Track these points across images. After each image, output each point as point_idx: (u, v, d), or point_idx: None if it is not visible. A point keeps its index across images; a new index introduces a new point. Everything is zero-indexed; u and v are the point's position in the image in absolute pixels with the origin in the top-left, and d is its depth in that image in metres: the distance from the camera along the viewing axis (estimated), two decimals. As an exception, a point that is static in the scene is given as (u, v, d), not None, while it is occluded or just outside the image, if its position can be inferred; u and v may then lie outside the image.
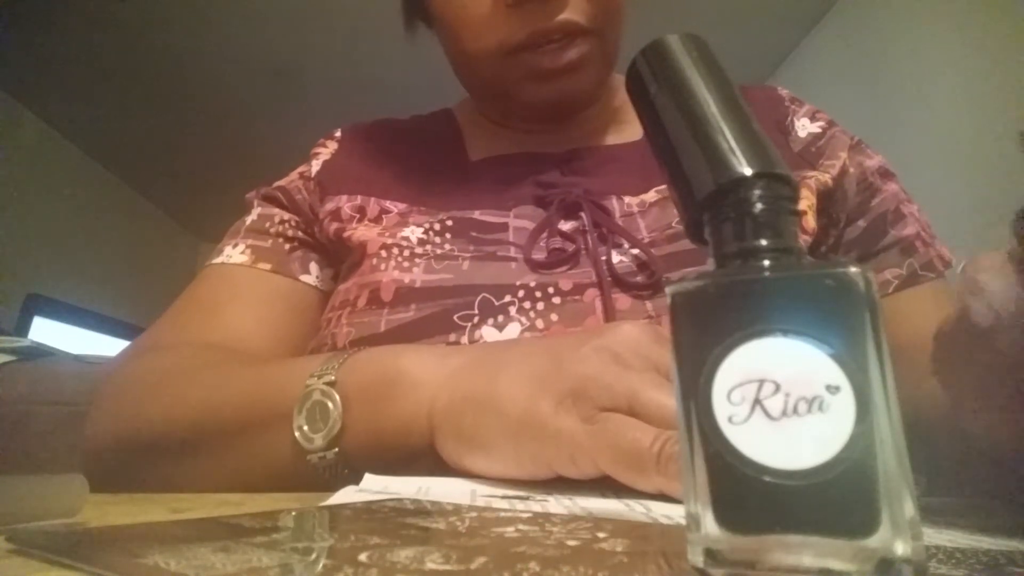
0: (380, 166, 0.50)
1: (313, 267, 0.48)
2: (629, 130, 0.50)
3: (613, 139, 0.50)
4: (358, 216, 0.46)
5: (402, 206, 0.45)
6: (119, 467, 0.35)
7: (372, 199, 0.46)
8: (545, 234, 0.41)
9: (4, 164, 2.54)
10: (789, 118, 0.50)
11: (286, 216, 0.49)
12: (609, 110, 0.52)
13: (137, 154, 3.23)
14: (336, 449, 0.30)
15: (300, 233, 0.48)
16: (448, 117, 0.56)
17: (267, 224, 0.48)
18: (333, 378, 0.30)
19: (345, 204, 0.46)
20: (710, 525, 0.12)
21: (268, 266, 0.46)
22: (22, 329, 2.40)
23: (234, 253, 0.47)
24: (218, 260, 0.47)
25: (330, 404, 0.30)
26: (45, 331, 2.50)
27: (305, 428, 0.30)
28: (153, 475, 0.34)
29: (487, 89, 0.48)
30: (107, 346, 3.04)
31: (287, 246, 0.48)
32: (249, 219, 0.49)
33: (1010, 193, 1.41)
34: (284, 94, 2.74)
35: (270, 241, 0.47)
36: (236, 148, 3.16)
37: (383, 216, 0.45)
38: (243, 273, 0.46)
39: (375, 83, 2.61)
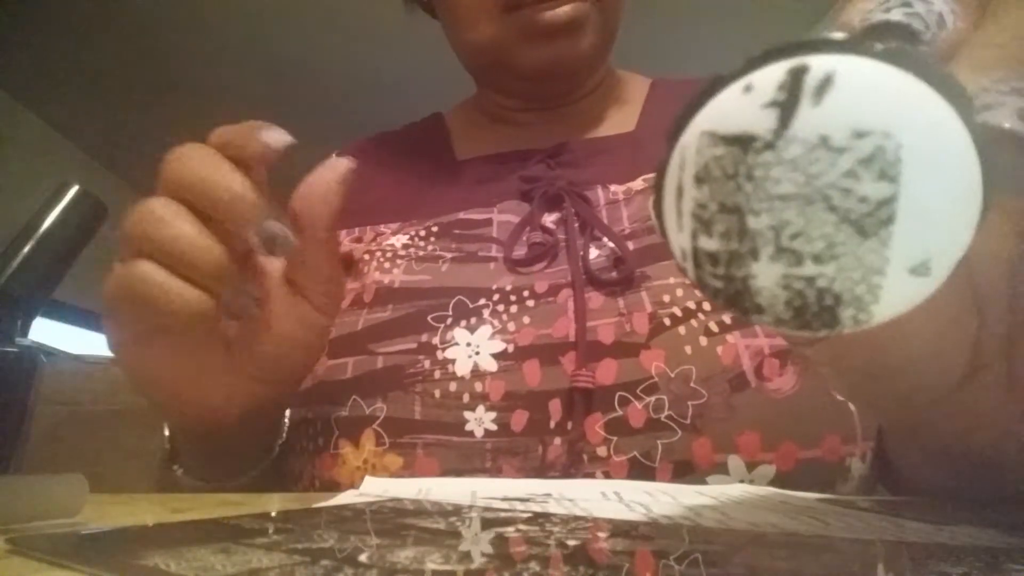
0: (373, 189, 0.51)
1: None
2: (621, 122, 0.50)
3: (604, 131, 0.50)
4: (356, 242, 0.47)
5: (394, 225, 0.46)
6: None
7: (368, 228, 0.47)
8: (527, 229, 0.41)
9: (4, 164, 2.53)
10: None
11: None
12: (601, 103, 0.52)
13: (137, 154, 3.23)
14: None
15: None
16: (437, 121, 0.57)
17: None
18: None
19: (344, 238, 0.47)
20: None
21: None
22: (22, 329, 2.40)
23: None
24: None
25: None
26: (45, 331, 2.50)
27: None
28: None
29: (486, 55, 0.48)
30: (107, 346, 3.03)
31: None
32: None
33: (1010, 192, 1.42)
34: (284, 94, 2.74)
35: None
36: (236, 148, 3.15)
37: (378, 237, 0.46)
38: None
39: (375, 83, 2.61)
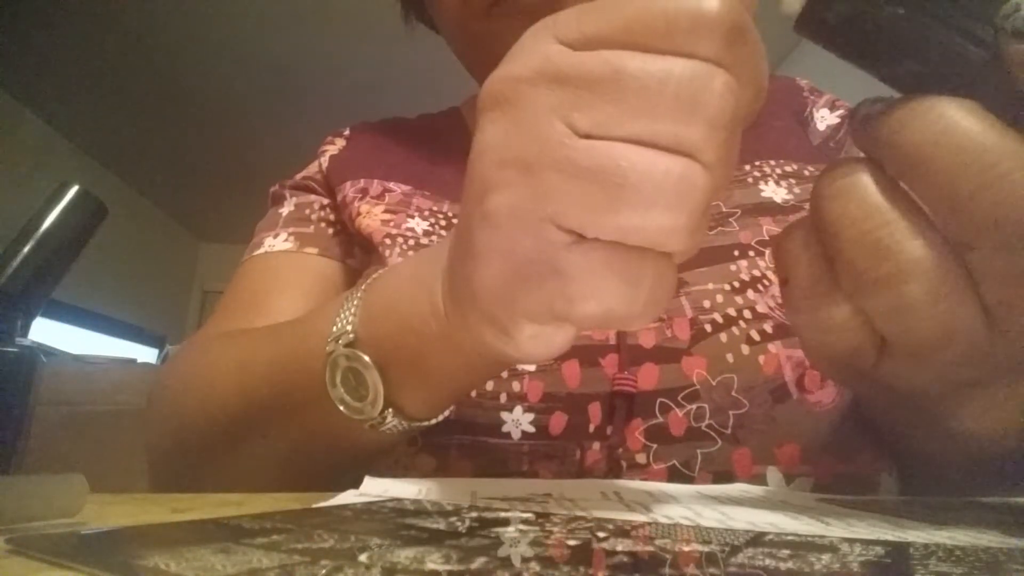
0: (384, 152, 0.50)
1: (357, 251, 0.46)
2: None
3: None
4: (360, 196, 0.45)
5: (406, 187, 0.45)
6: (183, 469, 0.34)
7: (375, 180, 0.46)
8: None
9: (4, 164, 2.54)
10: (808, 109, 0.49)
11: (324, 201, 0.48)
12: None
13: (137, 154, 3.23)
14: (391, 410, 0.26)
15: (339, 219, 0.47)
16: (454, 114, 0.56)
17: (307, 211, 0.47)
18: (352, 337, 0.26)
19: (349, 189, 0.46)
20: None
21: (315, 250, 0.45)
22: (22, 329, 2.41)
23: (276, 242, 0.45)
24: (259, 251, 0.45)
25: (361, 368, 0.26)
26: (45, 331, 2.50)
27: (348, 399, 0.26)
28: (213, 470, 0.33)
29: (481, 51, 0.45)
30: (107, 346, 3.04)
31: (330, 230, 0.47)
32: (285, 210, 0.48)
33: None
34: (284, 94, 2.74)
35: (312, 227, 0.46)
36: (236, 148, 3.16)
37: (385, 194, 0.44)
38: (289, 259, 0.44)
39: (375, 83, 2.61)
